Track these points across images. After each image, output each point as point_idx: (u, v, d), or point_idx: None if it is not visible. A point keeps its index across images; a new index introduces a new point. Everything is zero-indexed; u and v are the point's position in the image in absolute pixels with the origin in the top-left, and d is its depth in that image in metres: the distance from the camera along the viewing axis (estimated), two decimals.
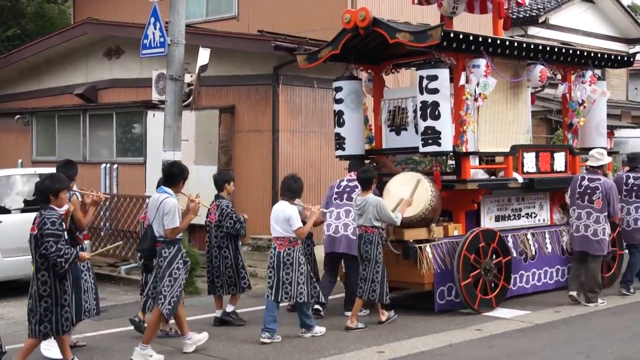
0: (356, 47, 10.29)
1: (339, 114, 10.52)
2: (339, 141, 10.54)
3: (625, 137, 21.64)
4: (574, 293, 9.91)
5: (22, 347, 6.98)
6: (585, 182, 10.02)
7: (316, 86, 13.54)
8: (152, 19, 11.05)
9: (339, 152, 10.57)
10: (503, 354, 7.62)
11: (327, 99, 13.78)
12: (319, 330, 8.37)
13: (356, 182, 9.36)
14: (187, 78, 11.43)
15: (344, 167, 13.68)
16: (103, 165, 15.73)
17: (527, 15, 22.90)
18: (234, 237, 8.93)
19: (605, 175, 10.37)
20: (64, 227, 6.88)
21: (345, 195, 9.46)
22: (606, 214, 9.90)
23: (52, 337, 6.99)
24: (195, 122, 13.60)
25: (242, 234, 9.02)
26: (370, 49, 10.48)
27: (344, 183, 9.62)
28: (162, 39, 10.97)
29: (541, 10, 23.19)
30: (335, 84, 10.63)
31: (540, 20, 22.67)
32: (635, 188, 10.80)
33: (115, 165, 15.60)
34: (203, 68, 11.24)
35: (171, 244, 7.47)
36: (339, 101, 10.53)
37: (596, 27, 24.27)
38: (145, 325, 7.96)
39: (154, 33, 11.03)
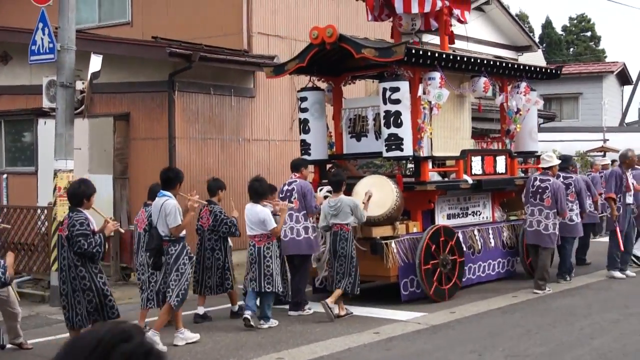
0: (319, 60, 10.78)
1: (304, 122, 11.14)
2: (305, 147, 11.16)
3: None
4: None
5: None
6: (537, 183, 11.14)
7: (212, 93, 13.46)
8: (41, 24, 10.77)
9: (305, 157, 11.02)
10: (400, 355, 7.76)
11: (224, 105, 13.72)
12: (274, 322, 8.96)
13: (294, 185, 9.86)
14: (79, 85, 11.16)
15: (245, 173, 13.70)
16: None
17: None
18: (225, 239, 9.53)
19: (554, 176, 11.40)
20: (92, 226, 7.37)
21: (287, 200, 9.79)
22: (555, 211, 10.93)
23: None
24: (88, 130, 13.27)
25: (238, 235, 9.60)
26: (331, 61, 11.04)
27: (285, 188, 10.02)
28: (51, 45, 10.70)
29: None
30: (301, 94, 11.22)
31: (433, 28, 23.18)
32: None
33: (5, 175, 15.07)
34: (95, 75, 10.98)
35: (176, 242, 8.14)
36: (304, 110, 11.14)
37: (486, 35, 24.99)
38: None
39: (42, 39, 10.75)
